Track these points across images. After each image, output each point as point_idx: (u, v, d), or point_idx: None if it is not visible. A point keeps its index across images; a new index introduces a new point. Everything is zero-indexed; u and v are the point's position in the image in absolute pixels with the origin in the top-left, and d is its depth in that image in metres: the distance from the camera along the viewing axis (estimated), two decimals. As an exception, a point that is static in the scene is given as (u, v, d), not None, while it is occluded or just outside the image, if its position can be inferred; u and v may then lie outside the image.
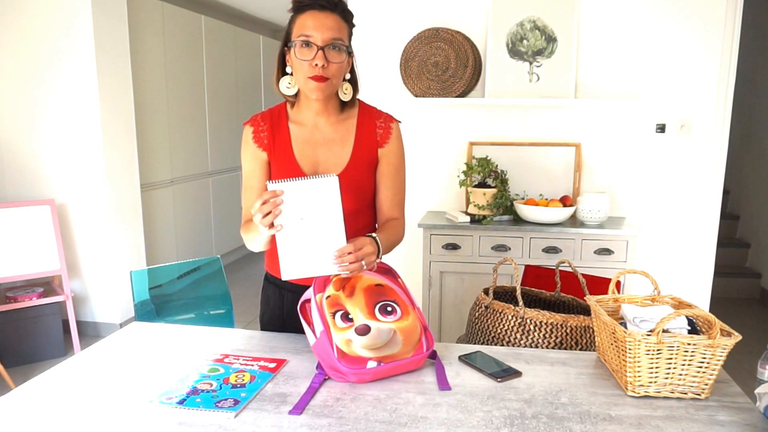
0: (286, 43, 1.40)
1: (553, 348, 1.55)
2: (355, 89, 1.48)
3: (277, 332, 1.53)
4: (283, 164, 1.45)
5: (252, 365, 1.30)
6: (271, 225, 1.23)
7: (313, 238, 1.25)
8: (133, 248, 3.79)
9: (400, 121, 1.54)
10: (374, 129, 1.47)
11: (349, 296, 1.26)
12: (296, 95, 1.46)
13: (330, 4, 1.35)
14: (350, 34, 1.42)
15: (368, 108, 1.52)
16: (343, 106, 1.48)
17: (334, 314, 1.23)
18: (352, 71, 1.45)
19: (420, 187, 3.34)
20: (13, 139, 3.53)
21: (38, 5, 3.36)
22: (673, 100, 3.06)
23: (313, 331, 1.26)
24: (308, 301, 1.31)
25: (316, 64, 1.33)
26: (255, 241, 1.40)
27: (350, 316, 1.23)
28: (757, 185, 4.67)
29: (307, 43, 1.33)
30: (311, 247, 1.25)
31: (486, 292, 1.77)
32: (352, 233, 1.40)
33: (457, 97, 3.10)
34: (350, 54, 1.41)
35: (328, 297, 1.26)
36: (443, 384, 1.22)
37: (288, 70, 1.41)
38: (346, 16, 1.39)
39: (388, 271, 1.36)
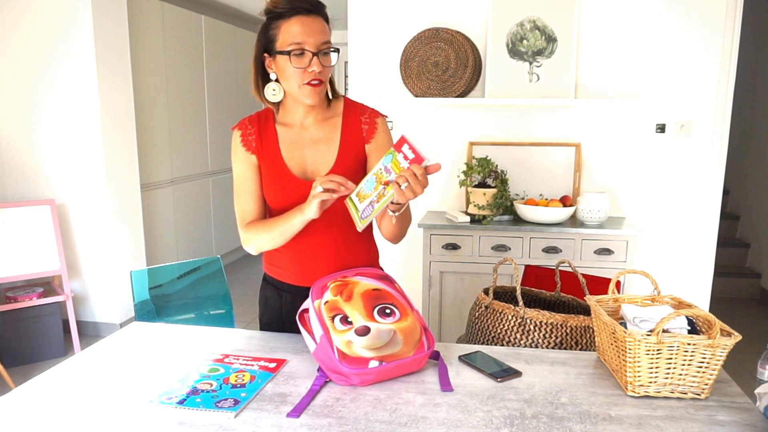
0: (267, 50, 1.38)
1: (553, 348, 1.55)
2: (332, 81, 1.48)
3: (277, 332, 1.53)
4: (271, 166, 1.44)
5: (252, 365, 1.30)
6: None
7: (375, 192, 1.24)
8: (133, 248, 3.79)
9: (386, 116, 1.52)
10: (359, 125, 1.46)
11: (347, 300, 1.26)
12: (280, 101, 1.44)
13: (315, 8, 1.34)
14: (331, 30, 1.41)
15: (353, 104, 1.50)
16: (328, 101, 1.48)
17: (332, 318, 1.23)
18: None
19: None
20: (13, 139, 3.53)
21: (38, 6, 3.36)
22: (673, 100, 3.06)
23: (313, 338, 1.26)
24: (306, 310, 1.31)
25: (313, 71, 1.32)
26: (276, 238, 1.39)
27: (349, 319, 1.23)
28: (757, 185, 4.67)
29: (301, 51, 1.32)
30: (369, 195, 1.25)
31: (486, 292, 1.77)
32: (343, 231, 1.44)
33: (457, 97, 3.10)
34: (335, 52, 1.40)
35: (326, 302, 1.26)
36: (445, 385, 1.21)
37: (272, 77, 1.40)
38: (326, 15, 1.38)
39: (385, 277, 1.36)
